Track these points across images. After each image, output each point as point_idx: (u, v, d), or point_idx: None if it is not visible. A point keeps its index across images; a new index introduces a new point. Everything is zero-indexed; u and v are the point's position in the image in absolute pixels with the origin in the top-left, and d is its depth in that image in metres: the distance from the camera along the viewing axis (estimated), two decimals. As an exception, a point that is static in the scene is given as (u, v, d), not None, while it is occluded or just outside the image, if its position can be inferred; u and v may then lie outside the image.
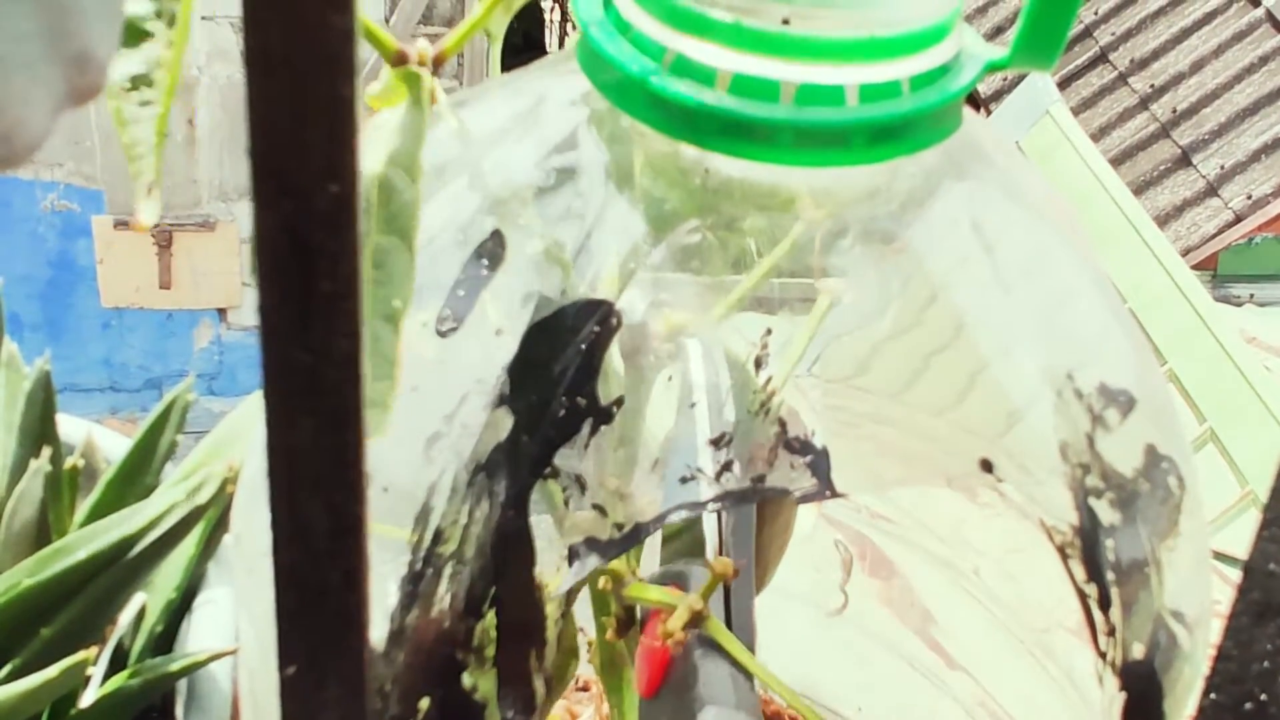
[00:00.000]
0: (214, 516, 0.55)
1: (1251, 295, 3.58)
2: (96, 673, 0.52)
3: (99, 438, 0.64)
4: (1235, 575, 0.40)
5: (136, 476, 0.59)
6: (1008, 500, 0.65)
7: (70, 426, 0.63)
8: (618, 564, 0.44)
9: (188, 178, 3.87)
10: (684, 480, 0.40)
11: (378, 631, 0.36)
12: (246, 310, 4.17)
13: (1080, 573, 0.41)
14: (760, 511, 0.51)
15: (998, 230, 0.45)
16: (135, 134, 0.34)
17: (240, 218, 4.06)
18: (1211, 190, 3.78)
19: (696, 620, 0.44)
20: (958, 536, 0.70)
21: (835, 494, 0.41)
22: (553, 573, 0.38)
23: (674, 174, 0.40)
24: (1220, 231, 3.75)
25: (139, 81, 0.33)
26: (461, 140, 0.42)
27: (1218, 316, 1.97)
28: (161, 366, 4.15)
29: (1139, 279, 2.02)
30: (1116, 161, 3.65)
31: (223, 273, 4.09)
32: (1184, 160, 3.81)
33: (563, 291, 0.39)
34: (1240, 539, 0.39)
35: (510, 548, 0.37)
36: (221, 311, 4.18)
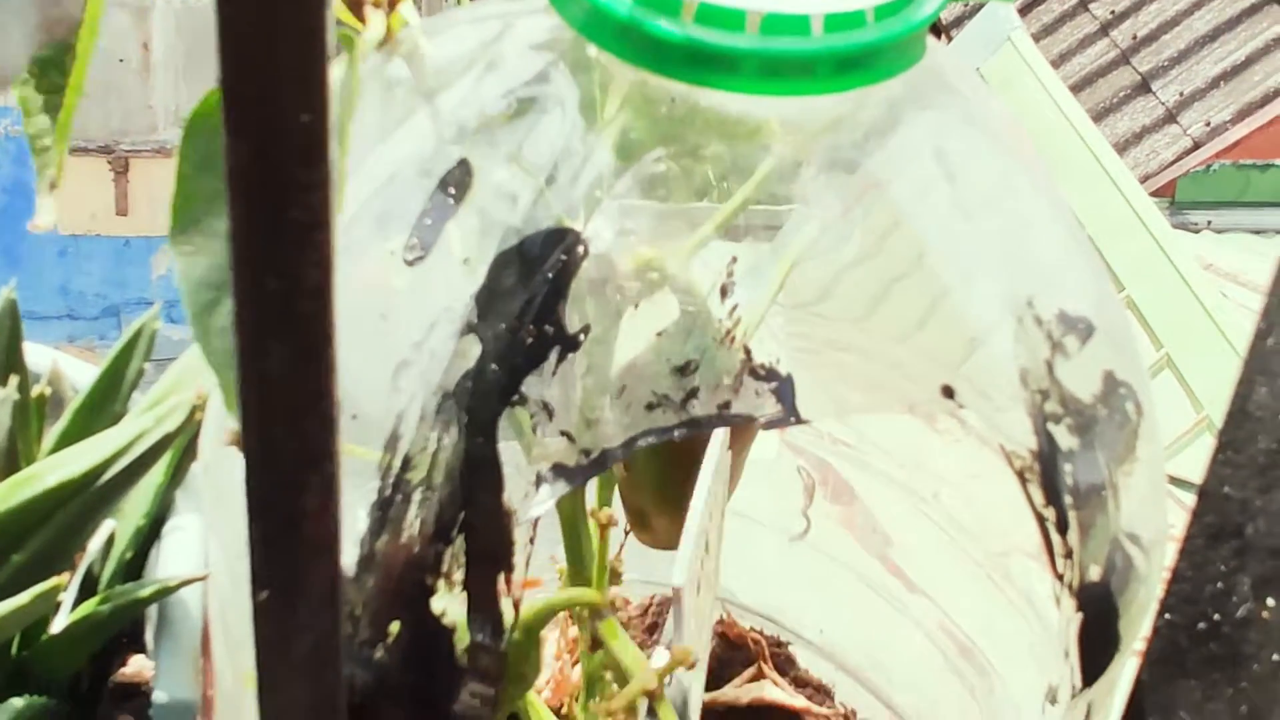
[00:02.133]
0: (182, 444, 0.56)
1: (1209, 222, 3.60)
2: (67, 599, 0.52)
3: (64, 366, 0.64)
4: (1190, 500, 0.41)
5: (104, 404, 0.59)
6: (967, 426, 0.66)
7: (36, 355, 0.63)
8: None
9: (143, 103, 3.83)
10: (650, 407, 0.41)
11: (348, 556, 0.36)
12: (204, 237, 4.12)
13: (1039, 497, 0.42)
14: (701, 455, 0.51)
15: (960, 159, 0.45)
16: (39, 124, 0.34)
17: (197, 144, 4.00)
18: (1170, 117, 3.79)
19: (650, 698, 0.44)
20: (918, 462, 0.71)
21: (800, 420, 0.41)
22: (521, 499, 0.38)
23: (640, 104, 0.40)
24: (1179, 158, 3.77)
25: (47, 67, 0.33)
26: (427, 69, 0.42)
27: (1175, 243, 1.98)
28: (119, 294, 4.12)
29: (1097, 206, 2.03)
30: (1076, 88, 3.65)
31: (180, 199, 4.05)
32: (1143, 87, 3.82)
33: (529, 221, 0.39)
34: (1195, 464, 0.40)
35: (478, 474, 0.37)
36: (179, 238, 4.14)
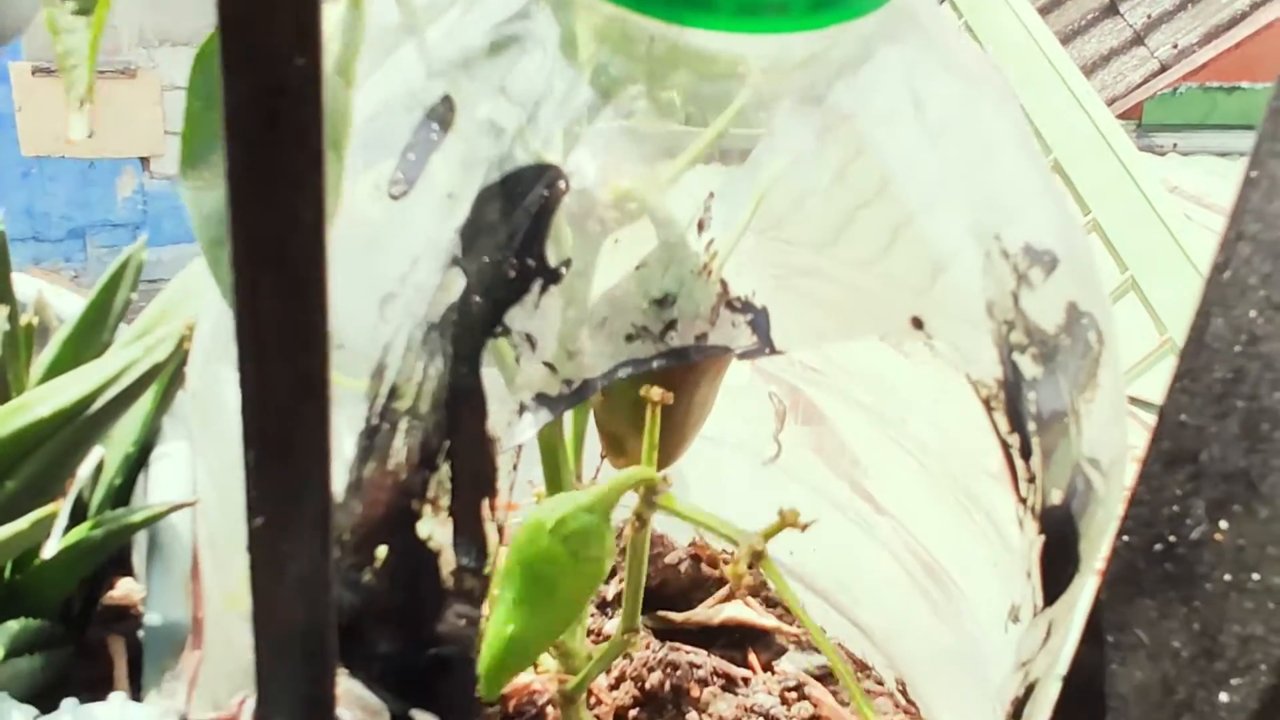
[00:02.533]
0: (170, 372, 0.56)
1: (1175, 145, 3.61)
2: (58, 525, 0.53)
3: (50, 296, 0.65)
4: (1152, 420, 0.42)
5: (92, 334, 0.60)
6: (935, 350, 0.67)
7: (22, 284, 0.63)
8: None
9: (108, 24, 3.78)
10: (630, 338, 0.42)
11: (336, 483, 0.37)
12: (169, 159, 4.10)
13: (1003, 424, 0.43)
14: (684, 376, 0.53)
15: (927, 90, 0.46)
16: (69, 43, 0.34)
17: (161, 65, 3.97)
18: (1138, 39, 3.79)
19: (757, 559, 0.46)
20: (886, 386, 0.72)
21: (774, 351, 0.43)
22: (504, 427, 0.39)
23: (620, 41, 0.41)
24: (1145, 81, 3.77)
25: (76, -12, 0.34)
26: (412, 4, 0.42)
27: (1141, 166, 1.99)
28: (84, 216, 4.08)
29: (1064, 128, 2.04)
30: (1044, 10, 3.65)
31: (145, 120, 4.02)
32: (1111, 9, 3.81)
33: (512, 156, 0.40)
34: (1158, 385, 0.41)
35: (463, 403, 0.38)
36: (144, 160, 4.12)
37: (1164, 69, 3.72)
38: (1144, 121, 3.77)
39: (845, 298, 0.50)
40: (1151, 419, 0.42)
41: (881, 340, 0.55)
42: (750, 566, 0.47)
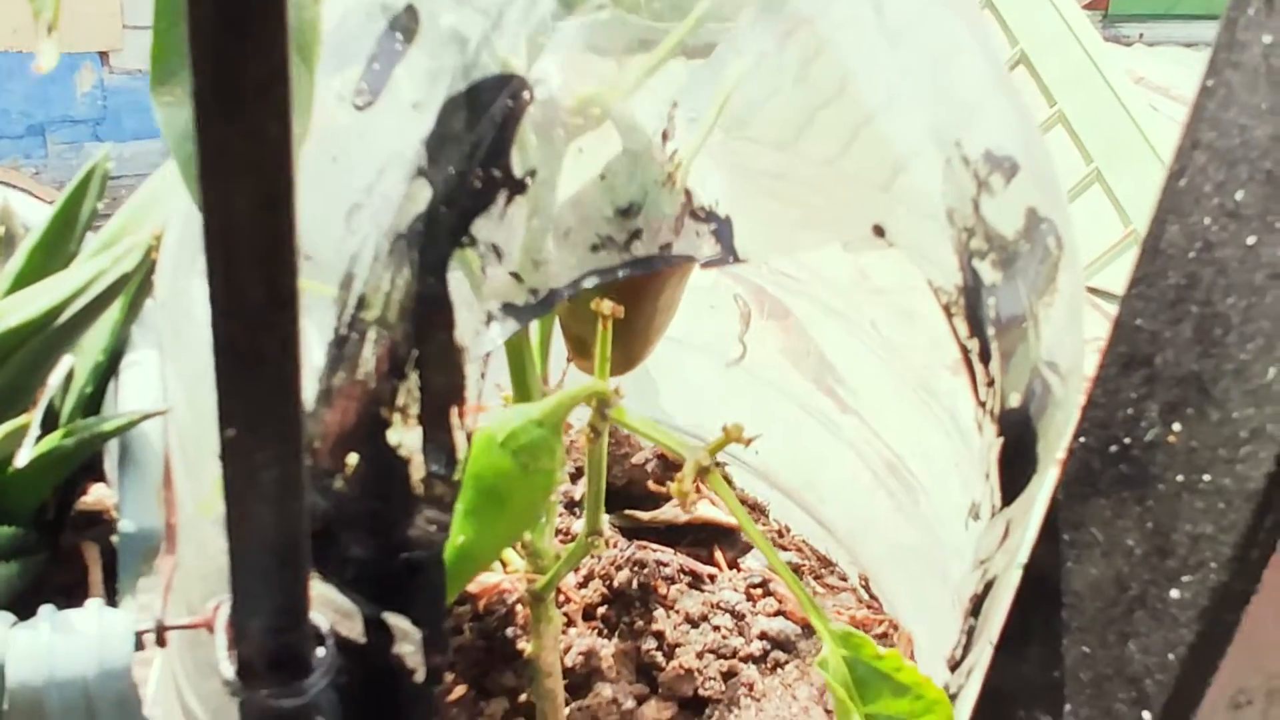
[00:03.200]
0: (137, 283, 0.56)
1: (1141, 35, 3.60)
2: (29, 434, 0.53)
3: (15, 204, 0.64)
4: (1114, 311, 0.43)
5: (58, 244, 0.59)
6: (897, 250, 0.67)
7: (-17, 191, 0.63)
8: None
9: (62, -82, 3.71)
10: (595, 248, 0.42)
11: (306, 393, 0.38)
12: (129, 53, 4.04)
13: (963, 329, 0.44)
14: (649, 281, 0.53)
15: (889, -2, 0.46)
16: None
17: (119, -42, 3.90)
18: (1105, -70, 3.76)
19: (703, 475, 0.47)
20: (849, 289, 0.73)
21: (738, 259, 0.43)
22: (472, 335, 0.39)
23: (582, -51, 0.41)
24: (1112, -29, 3.74)
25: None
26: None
27: (1107, 56, 1.99)
28: (44, 112, 4.03)
29: (1031, 20, 2.03)
30: (1012, -98, 3.61)
31: (102, 15, 3.95)
32: (1079, -99, 3.77)
33: (476, 65, 0.40)
34: (1121, 277, 0.42)
35: (431, 312, 0.39)
36: (103, 55, 4.05)
37: (1130, -40, 3.70)
38: (1110, 12, 3.75)
39: (807, 200, 0.50)
40: (1114, 309, 0.43)
41: (845, 250, 0.55)
42: (697, 481, 0.48)
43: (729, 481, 0.83)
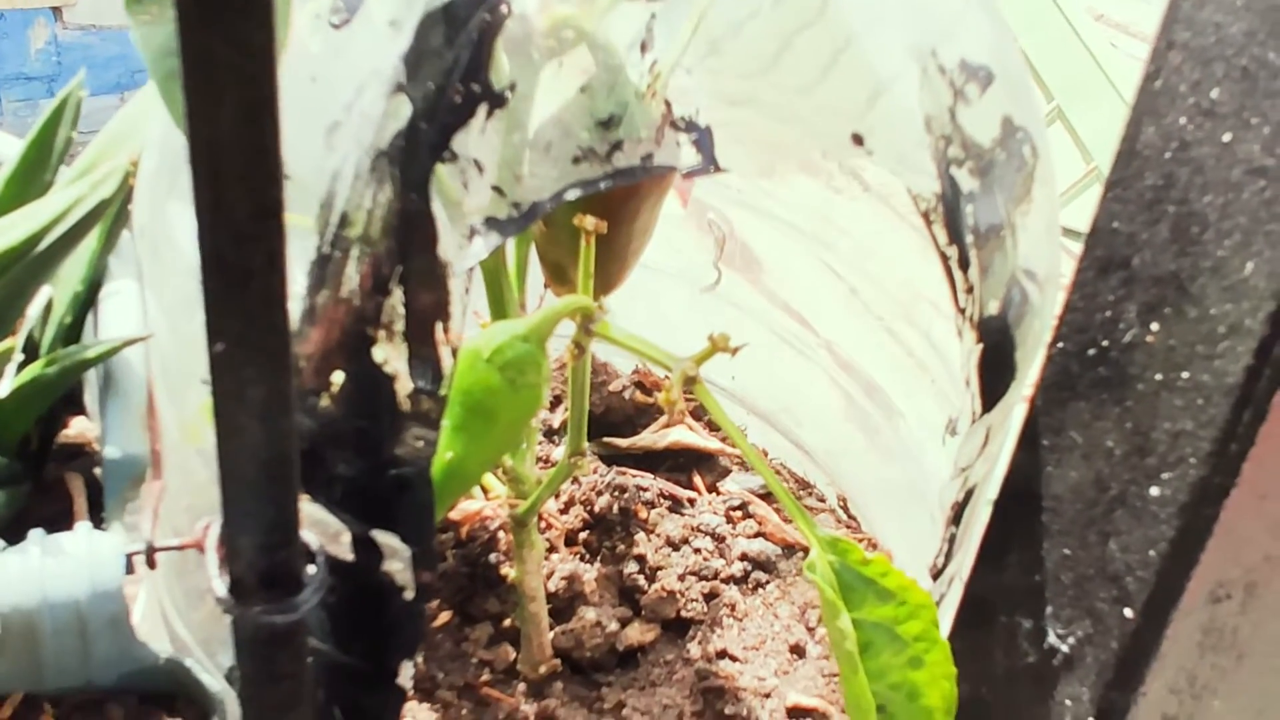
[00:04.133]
0: (114, 211, 0.56)
1: (1101, -29, 3.59)
2: (10, 364, 0.53)
3: (-13, 138, 0.64)
4: (1079, 249, 0.43)
5: (33, 174, 0.59)
6: (866, 185, 0.68)
7: (-46, 129, 0.62)
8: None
9: None
10: (576, 160, 0.42)
11: (291, 313, 0.37)
12: (82, 8, 3.99)
13: (942, 236, 0.44)
14: (625, 202, 0.53)
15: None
16: None
17: (71, -90, 3.85)
18: None
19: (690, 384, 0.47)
20: (822, 217, 0.73)
21: (719, 169, 0.43)
22: (455, 251, 0.39)
23: None
24: (1073, -93, 3.73)
25: None
26: None
27: (1067, -6, 1.99)
28: (-3, 69, 3.98)
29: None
30: None
31: (55, -32, 3.91)
32: None
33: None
34: (1085, 214, 0.42)
35: (413, 229, 0.39)
36: (56, 10, 4.01)
37: (1091, -106, 3.69)
38: (1071, -51, 3.74)
39: (784, 124, 0.51)
40: (1079, 247, 0.44)
41: (823, 157, 0.55)
42: (684, 391, 0.48)
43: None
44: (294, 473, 0.35)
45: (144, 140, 0.48)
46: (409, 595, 0.42)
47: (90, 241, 0.58)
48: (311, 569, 0.38)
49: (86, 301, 0.61)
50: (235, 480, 0.35)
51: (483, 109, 0.39)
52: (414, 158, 0.39)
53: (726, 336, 0.46)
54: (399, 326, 0.39)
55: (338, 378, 0.40)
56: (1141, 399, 0.41)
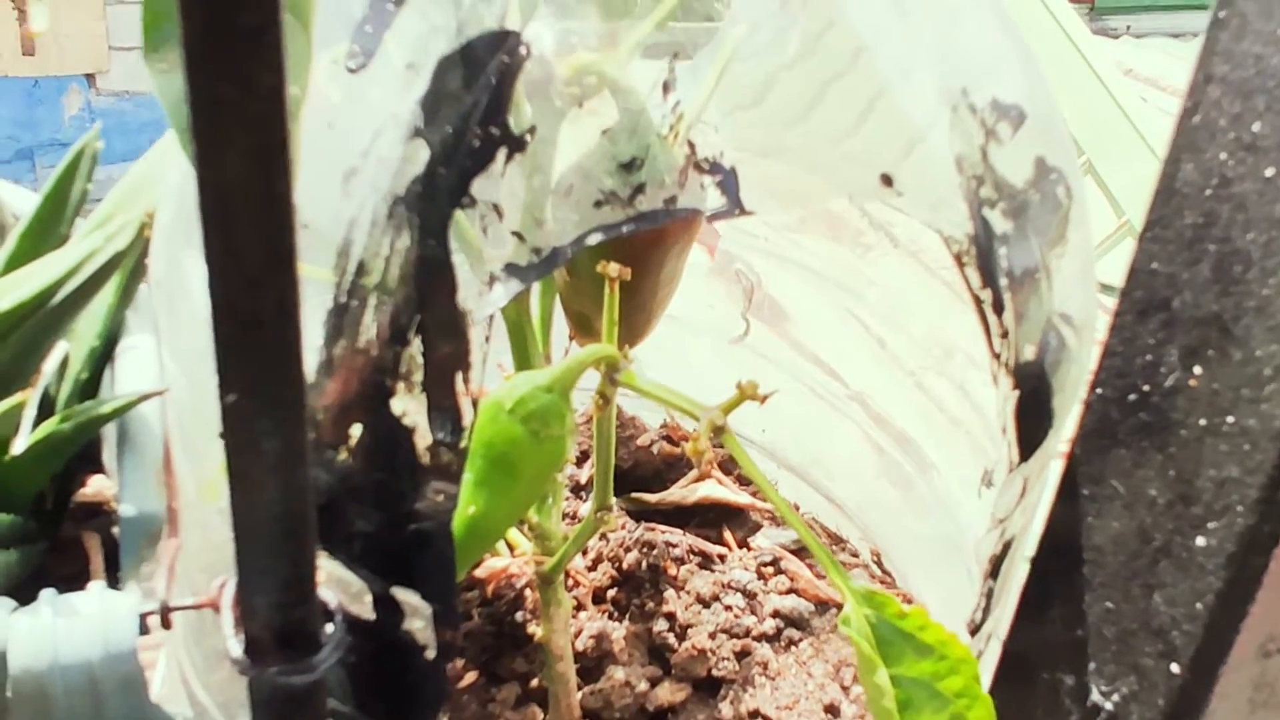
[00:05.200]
0: (130, 264, 0.56)
1: (1129, 27, 3.60)
2: (26, 419, 0.53)
3: (4, 194, 0.63)
4: (1112, 304, 0.42)
5: (49, 228, 0.59)
6: (895, 240, 0.67)
7: (-28, 184, 0.62)
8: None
9: (46, -64, 3.70)
10: (598, 204, 0.41)
11: (307, 364, 0.37)
12: (115, 75, 4.04)
13: (975, 279, 0.43)
14: (650, 250, 0.52)
15: (892, -48, 0.45)
16: None
17: (104, -23, 3.90)
18: (1090, -80, 3.76)
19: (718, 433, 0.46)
20: (852, 269, 0.72)
21: (744, 211, 0.42)
22: (475, 298, 0.39)
23: (576, -99, 0.40)
24: (1098, -37, 3.75)
25: None
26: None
27: (1095, 49, 1.99)
28: (31, 136, 4.03)
29: (1017, 13, 2.03)
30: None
31: (87, 36, 3.95)
32: (1063, -110, 3.78)
33: (470, 24, 0.39)
34: (1118, 268, 0.41)
35: (432, 276, 0.38)
36: (90, 77, 4.06)
37: (1116, -50, 3.70)
38: (1097, 5, 3.76)
39: (816, 173, 0.50)
40: (1112, 301, 0.42)
41: (850, 201, 0.54)
42: (712, 441, 0.47)
43: (736, 461, 0.82)
44: (310, 528, 0.34)
45: (160, 192, 0.48)
46: (431, 654, 0.41)
47: (106, 295, 0.58)
48: (330, 628, 0.37)
49: (103, 356, 0.60)
50: (249, 536, 0.34)
51: (502, 153, 0.38)
52: (432, 203, 0.38)
53: (755, 384, 0.45)
54: (418, 377, 0.39)
55: (356, 430, 0.39)
56: (1185, 445, 0.40)
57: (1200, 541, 0.39)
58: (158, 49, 0.36)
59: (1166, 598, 0.41)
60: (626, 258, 0.49)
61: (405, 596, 0.40)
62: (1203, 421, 0.39)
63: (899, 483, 0.74)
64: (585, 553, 0.70)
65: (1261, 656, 0.41)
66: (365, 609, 0.40)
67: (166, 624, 0.41)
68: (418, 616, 0.41)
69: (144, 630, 0.47)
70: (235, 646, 0.35)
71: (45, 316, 0.54)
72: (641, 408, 0.83)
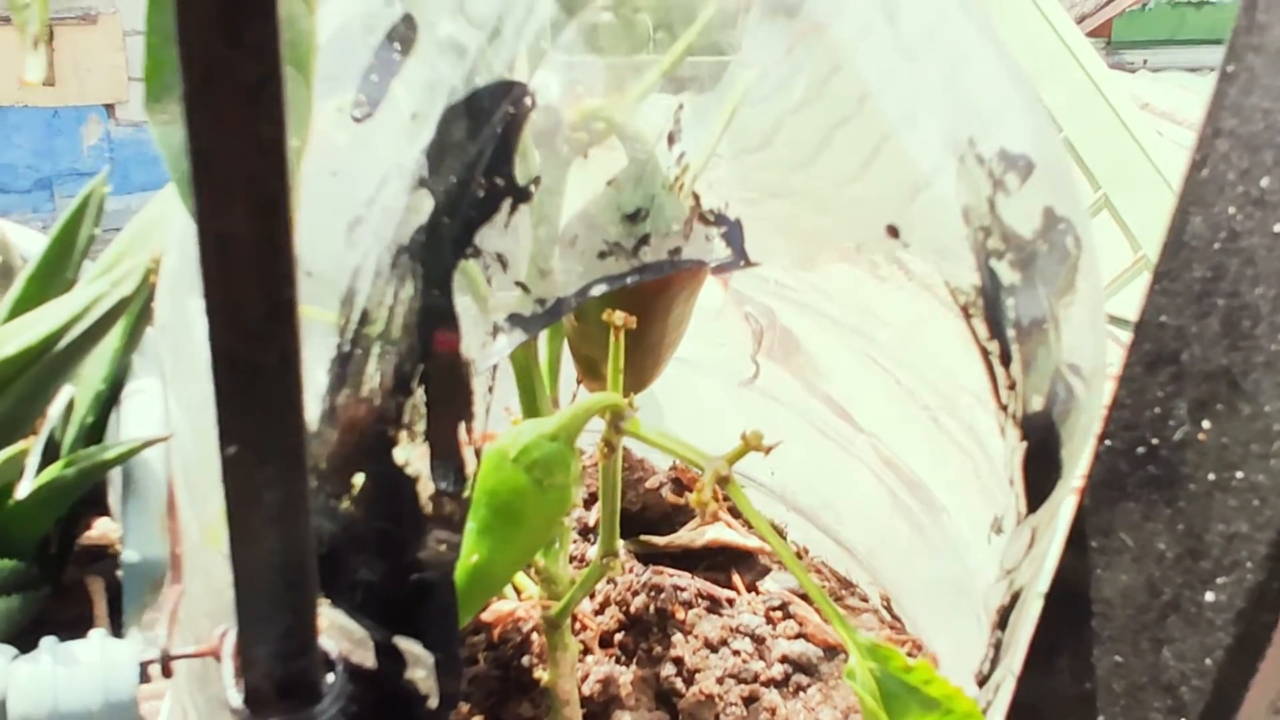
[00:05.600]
0: (136, 309, 0.56)
1: (1145, 61, 3.61)
2: (30, 464, 0.53)
3: (12, 235, 0.64)
4: (1128, 338, 0.42)
5: (56, 271, 0.59)
6: (909, 272, 0.67)
7: (-19, 225, 0.62)
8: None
9: (66, -31, 3.73)
10: (602, 255, 0.41)
11: (309, 413, 0.37)
12: (134, 105, 4.06)
13: (982, 331, 0.43)
14: (658, 296, 0.52)
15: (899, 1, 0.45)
16: None
17: (123, 9, 3.93)
18: (1106, -44, 3.77)
19: (722, 484, 0.45)
20: (863, 308, 0.72)
21: (749, 263, 0.42)
22: (478, 348, 0.38)
23: (581, -48, 0.40)
24: (1114, -3, 3.75)
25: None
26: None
27: (1112, 83, 1.99)
28: (50, 166, 4.05)
29: (1034, 47, 2.03)
30: (1012, -71, 3.62)
31: (107, 67, 3.98)
32: (1074, -75, 3.79)
33: (475, 74, 0.39)
34: (1133, 303, 0.41)
35: (436, 326, 0.38)
36: (109, 107, 4.08)
37: (1132, -15, 3.71)
38: (1113, 39, 3.76)
39: (818, 216, 0.50)
40: (1128, 337, 0.42)
41: (858, 252, 0.54)
42: (716, 492, 0.46)
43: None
44: (311, 578, 0.34)
45: (166, 237, 0.48)
46: (433, 704, 0.41)
47: (112, 339, 0.58)
48: (331, 677, 0.36)
49: (109, 401, 0.60)
50: (250, 586, 0.34)
51: (506, 203, 0.38)
52: (436, 253, 0.38)
53: (759, 434, 0.45)
54: (420, 426, 0.38)
55: (358, 479, 0.39)
56: (1194, 499, 0.39)
57: (1209, 597, 0.39)
58: (159, 99, 0.36)
59: (1176, 653, 0.40)
60: (634, 304, 0.49)
61: (408, 646, 0.40)
62: (1212, 476, 0.39)
63: (909, 525, 0.73)
64: (592, 596, 0.70)
65: (1271, 713, 0.40)
66: (367, 658, 0.40)
67: (167, 673, 0.40)
68: (420, 666, 0.40)
69: (145, 679, 0.47)
70: (235, 696, 0.35)
71: (51, 361, 0.54)
72: (652, 450, 0.83)
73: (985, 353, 0.43)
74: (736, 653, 0.68)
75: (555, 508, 0.47)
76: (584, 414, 0.47)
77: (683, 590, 0.70)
